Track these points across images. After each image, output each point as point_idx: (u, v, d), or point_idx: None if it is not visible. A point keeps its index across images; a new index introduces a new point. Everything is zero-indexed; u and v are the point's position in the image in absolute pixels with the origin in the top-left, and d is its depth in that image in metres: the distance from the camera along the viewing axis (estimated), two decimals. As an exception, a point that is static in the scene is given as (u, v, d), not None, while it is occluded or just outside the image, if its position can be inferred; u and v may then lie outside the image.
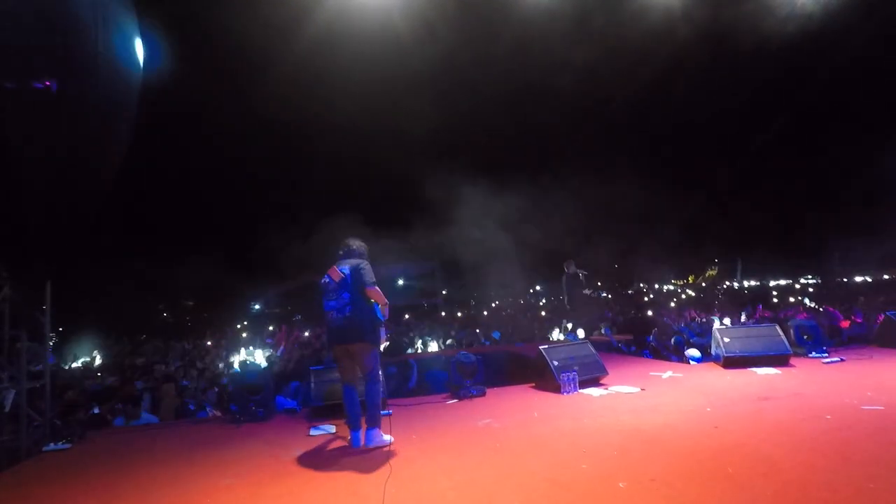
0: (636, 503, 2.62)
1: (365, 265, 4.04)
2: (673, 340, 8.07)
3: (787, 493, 2.58)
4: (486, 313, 20.17)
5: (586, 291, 10.16)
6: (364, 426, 3.92)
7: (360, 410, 4.01)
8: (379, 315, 3.99)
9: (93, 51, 4.58)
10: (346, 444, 4.02)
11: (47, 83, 4.23)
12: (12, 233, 4.71)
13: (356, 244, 4.21)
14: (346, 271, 3.99)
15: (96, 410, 6.06)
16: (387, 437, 3.91)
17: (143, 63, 5.36)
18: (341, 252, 4.17)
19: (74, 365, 12.41)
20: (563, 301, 10.55)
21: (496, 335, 12.07)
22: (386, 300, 4.01)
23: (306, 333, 13.14)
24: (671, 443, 3.50)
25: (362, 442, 3.89)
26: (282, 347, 11.55)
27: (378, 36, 8.88)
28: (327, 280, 4.06)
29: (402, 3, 8.60)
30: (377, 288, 3.96)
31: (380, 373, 4.06)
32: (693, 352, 6.92)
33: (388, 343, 4.12)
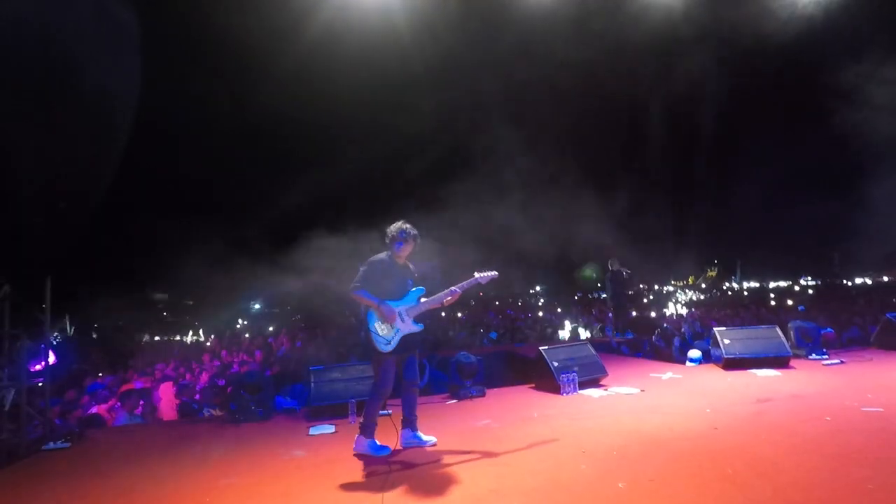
0: (635, 503, 2.62)
1: (364, 263, 3.75)
2: (676, 342, 8.06)
3: (786, 495, 2.58)
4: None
5: (631, 292, 10.45)
6: (407, 426, 3.84)
7: (406, 410, 3.87)
8: (368, 322, 3.67)
9: (93, 49, 4.58)
10: (346, 443, 4.02)
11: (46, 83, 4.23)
12: (12, 231, 4.71)
13: (387, 230, 3.82)
14: None
15: (95, 409, 6.06)
16: (379, 446, 3.69)
17: (141, 63, 5.36)
18: None
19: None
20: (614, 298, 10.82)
21: (493, 335, 12.10)
22: (373, 302, 3.65)
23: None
24: (670, 444, 3.50)
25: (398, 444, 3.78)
26: (283, 348, 11.56)
27: (377, 35, 8.89)
28: None
29: (402, 3, 8.61)
30: (358, 293, 3.67)
31: (382, 386, 3.70)
32: (694, 353, 6.92)
33: (391, 347, 3.66)
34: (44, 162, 4.68)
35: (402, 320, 3.71)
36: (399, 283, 3.78)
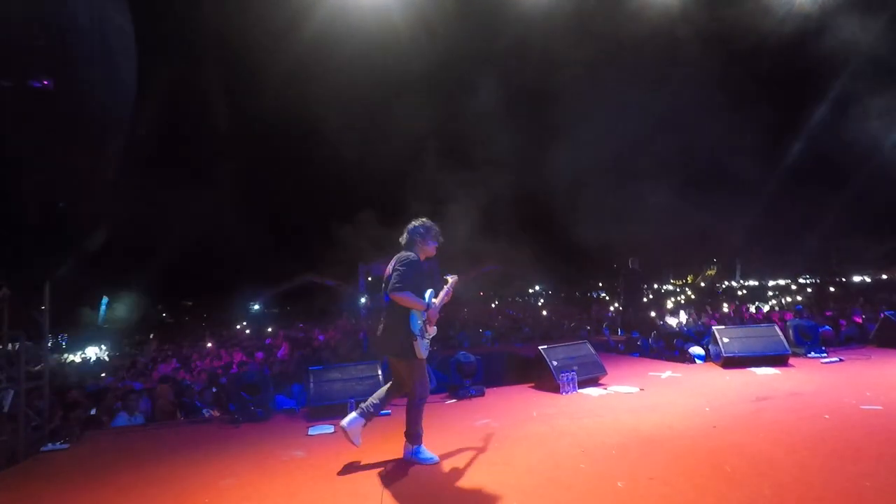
0: (635, 502, 2.62)
1: (403, 262, 3.43)
2: (675, 341, 8.08)
3: (785, 493, 2.59)
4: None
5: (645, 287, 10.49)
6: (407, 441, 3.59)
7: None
8: (412, 326, 3.38)
9: (90, 51, 4.57)
10: (345, 443, 4.01)
11: (45, 83, 4.22)
12: (10, 233, 4.70)
13: (409, 229, 3.59)
14: (389, 268, 3.52)
15: (94, 411, 6.05)
16: (428, 455, 3.50)
17: (139, 63, 5.35)
18: None
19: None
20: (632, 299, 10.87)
21: (488, 334, 12.15)
22: (421, 304, 3.41)
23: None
24: (670, 442, 3.51)
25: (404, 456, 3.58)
26: (282, 348, 11.56)
27: (376, 35, 8.88)
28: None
29: (401, 3, 8.61)
30: (404, 294, 3.35)
31: (425, 391, 3.50)
32: (696, 349, 6.93)
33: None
34: (43, 162, 4.66)
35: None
36: (427, 284, 3.57)
